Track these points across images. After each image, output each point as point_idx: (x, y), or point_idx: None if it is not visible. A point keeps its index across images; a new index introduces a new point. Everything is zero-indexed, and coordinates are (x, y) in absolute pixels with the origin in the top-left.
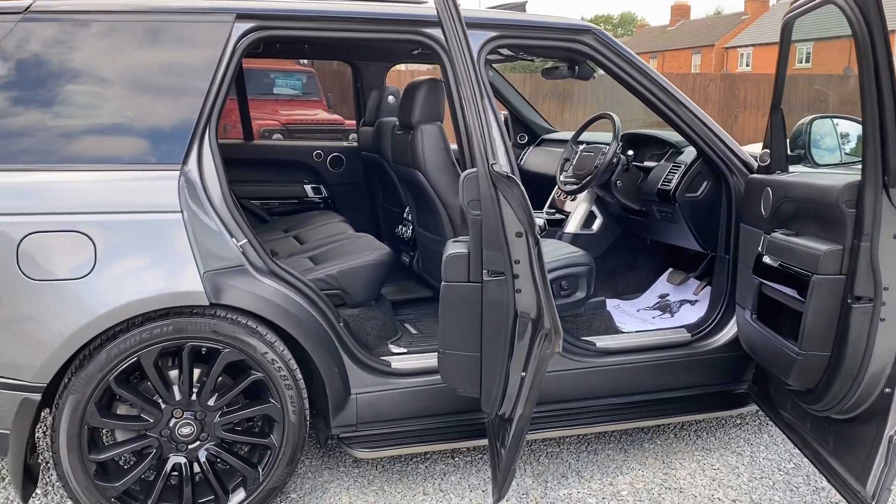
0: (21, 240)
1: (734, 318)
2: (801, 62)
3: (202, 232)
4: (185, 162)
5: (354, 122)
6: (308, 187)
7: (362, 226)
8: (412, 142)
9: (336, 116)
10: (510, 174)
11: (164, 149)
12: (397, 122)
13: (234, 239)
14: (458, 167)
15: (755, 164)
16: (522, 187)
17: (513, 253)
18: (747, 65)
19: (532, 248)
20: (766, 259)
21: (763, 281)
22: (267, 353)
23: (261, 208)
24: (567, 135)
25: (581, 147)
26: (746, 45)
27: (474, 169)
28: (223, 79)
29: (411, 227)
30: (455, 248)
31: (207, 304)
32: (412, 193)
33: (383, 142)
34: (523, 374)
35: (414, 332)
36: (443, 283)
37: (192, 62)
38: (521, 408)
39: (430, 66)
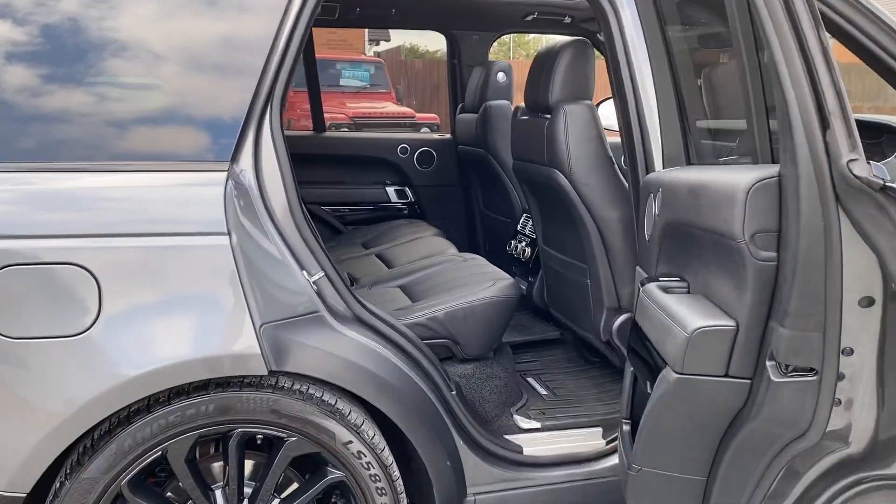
0: None
1: None
2: None
3: (260, 263)
4: (234, 160)
5: (427, 115)
6: (391, 190)
7: (456, 238)
8: (550, 130)
9: (406, 109)
10: (888, 181)
11: (205, 140)
12: (523, 106)
13: (304, 272)
14: (616, 167)
15: None
16: None
17: (846, 335)
18: None
19: (889, 328)
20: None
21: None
22: (351, 441)
23: (332, 216)
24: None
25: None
26: None
27: (768, 170)
28: (287, 45)
29: (531, 245)
30: (695, 311)
31: (266, 371)
32: (540, 200)
33: (491, 132)
34: None
35: (543, 392)
36: (674, 373)
37: (244, 27)
38: None
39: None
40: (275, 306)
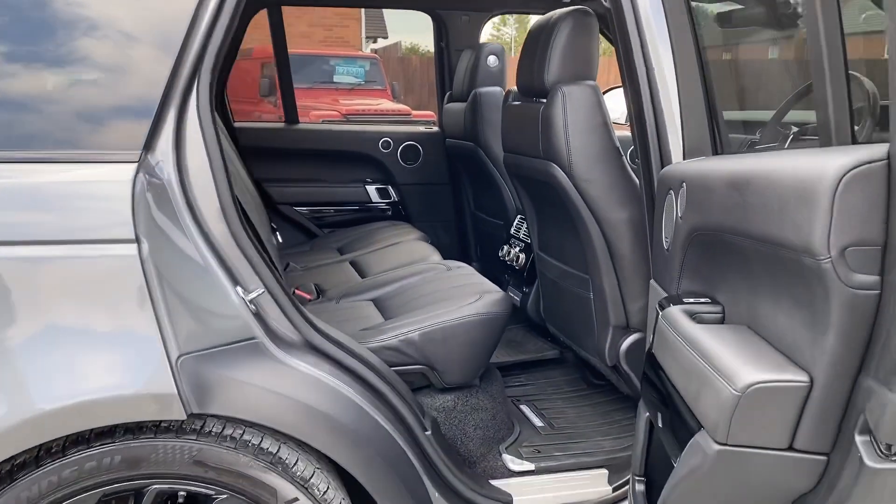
0: None
1: None
2: None
3: (178, 278)
4: (148, 149)
5: (423, 112)
6: (372, 189)
7: (445, 242)
8: (546, 116)
9: (402, 106)
10: None
11: (110, 124)
12: (515, 90)
13: (238, 288)
14: (625, 159)
15: None
16: None
17: None
18: None
19: None
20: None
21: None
22: (297, 500)
23: (306, 217)
24: (758, 114)
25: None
26: None
27: (868, 151)
28: (218, 12)
29: (525, 250)
30: (745, 355)
31: (184, 415)
32: (535, 199)
33: (480, 122)
34: None
35: (539, 423)
36: (714, 443)
37: None
38: None
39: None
40: (197, 333)
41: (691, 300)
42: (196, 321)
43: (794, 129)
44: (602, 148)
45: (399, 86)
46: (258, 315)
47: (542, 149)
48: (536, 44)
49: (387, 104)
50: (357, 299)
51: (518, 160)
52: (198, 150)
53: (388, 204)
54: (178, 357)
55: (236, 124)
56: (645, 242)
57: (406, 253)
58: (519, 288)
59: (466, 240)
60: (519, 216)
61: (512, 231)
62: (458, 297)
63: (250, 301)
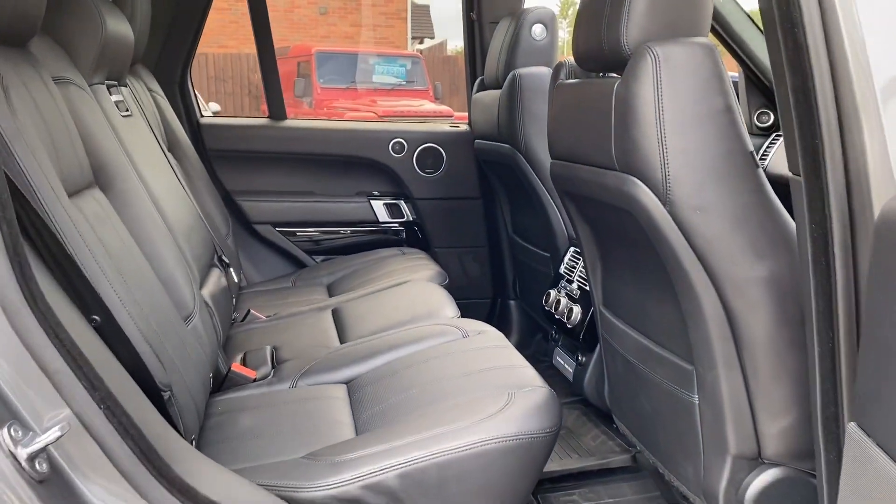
0: None
1: None
2: None
3: None
4: None
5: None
6: (379, 204)
7: (474, 275)
8: (622, 98)
9: (444, 108)
10: None
11: None
12: (570, 62)
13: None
14: (762, 172)
15: None
16: None
17: None
18: None
19: None
20: None
21: None
22: None
23: (293, 242)
24: None
25: None
26: None
27: None
28: None
29: (581, 301)
30: None
31: None
32: (601, 231)
33: (520, 115)
34: None
35: None
36: None
37: None
38: None
39: None
40: None
41: None
42: None
43: None
44: (726, 153)
45: (442, 86)
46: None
47: (617, 155)
48: None
49: (428, 105)
50: (323, 381)
51: (573, 171)
52: None
53: (400, 224)
54: None
55: (204, 119)
56: (797, 320)
57: (408, 303)
58: (571, 353)
59: (502, 272)
60: (573, 249)
61: (562, 269)
62: (474, 397)
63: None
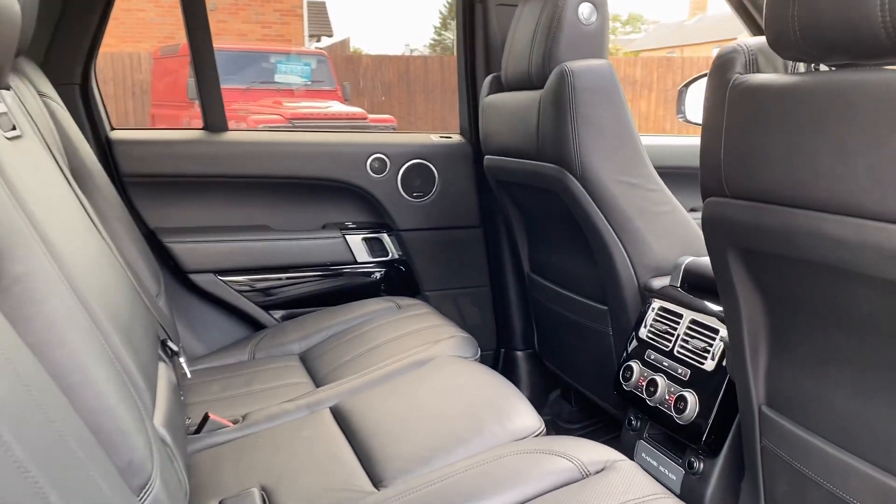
0: None
1: None
2: None
3: None
4: None
5: (381, 117)
6: (356, 239)
7: (474, 324)
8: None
9: (357, 109)
10: None
11: None
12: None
13: None
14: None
15: None
16: None
17: None
18: None
19: None
20: None
21: None
22: None
23: (245, 294)
24: None
25: None
26: None
27: None
28: None
29: (694, 382)
30: None
31: None
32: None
33: (575, 126)
34: None
35: None
36: None
37: None
38: None
39: None
40: None
41: None
42: None
43: None
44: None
45: (349, 86)
46: None
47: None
48: None
49: (338, 107)
50: None
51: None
52: None
53: (381, 264)
54: None
55: (115, 133)
56: None
57: (458, 401)
58: (675, 453)
59: (507, 318)
60: (659, 304)
61: (644, 334)
62: None
63: None
